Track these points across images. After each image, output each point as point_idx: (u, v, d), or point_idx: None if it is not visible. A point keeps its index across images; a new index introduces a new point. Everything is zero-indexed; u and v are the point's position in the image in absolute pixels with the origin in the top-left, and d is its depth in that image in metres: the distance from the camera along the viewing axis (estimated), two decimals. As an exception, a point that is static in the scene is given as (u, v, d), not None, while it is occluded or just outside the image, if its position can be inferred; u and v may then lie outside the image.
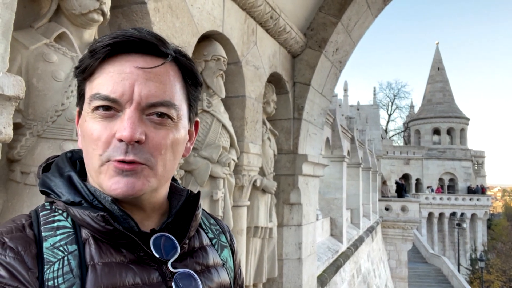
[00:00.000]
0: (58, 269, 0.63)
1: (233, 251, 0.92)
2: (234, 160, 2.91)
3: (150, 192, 0.72)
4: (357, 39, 4.39)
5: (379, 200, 18.92)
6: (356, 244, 10.74)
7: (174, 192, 0.83)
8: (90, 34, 1.82)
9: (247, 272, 3.35)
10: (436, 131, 38.16)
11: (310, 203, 4.34)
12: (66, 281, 0.62)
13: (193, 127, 0.82)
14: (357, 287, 9.94)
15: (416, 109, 46.02)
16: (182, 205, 0.80)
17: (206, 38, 2.77)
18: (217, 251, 0.86)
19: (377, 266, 14.64)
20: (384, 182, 21.86)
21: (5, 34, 1.25)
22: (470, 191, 35.17)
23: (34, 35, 1.62)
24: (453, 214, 34.05)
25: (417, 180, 37.55)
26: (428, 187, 35.59)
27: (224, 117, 2.86)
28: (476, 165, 41.64)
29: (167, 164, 0.72)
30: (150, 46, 0.70)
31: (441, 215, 34.32)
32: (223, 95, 2.88)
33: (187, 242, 0.78)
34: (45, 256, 0.64)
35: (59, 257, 0.64)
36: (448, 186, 37.43)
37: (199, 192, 0.84)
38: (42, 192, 0.74)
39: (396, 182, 23.45)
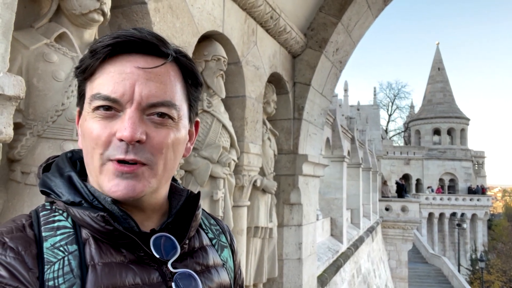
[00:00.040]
0: (58, 269, 0.63)
1: (233, 251, 0.92)
2: (234, 160, 2.91)
3: (151, 193, 0.72)
4: (357, 39, 4.39)
5: (379, 200, 18.92)
6: (356, 244, 10.74)
7: (174, 192, 0.83)
8: (91, 34, 1.82)
9: (247, 272, 3.35)
10: (437, 131, 38.16)
11: (310, 203, 4.34)
12: (67, 281, 0.62)
13: (194, 127, 0.82)
14: (357, 287, 9.94)
15: (417, 109, 46.02)
16: (182, 205, 0.80)
17: (206, 38, 2.77)
18: (217, 251, 0.86)
19: (377, 266, 14.64)
20: (384, 182, 21.85)
21: (5, 34, 1.25)
22: (471, 191, 35.16)
23: (34, 35, 1.62)
24: (454, 214, 34.04)
25: (417, 180, 37.55)
26: (428, 188, 35.58)
27: (224, 117, 2.86)
28: (476, 165, 41.64)
29: (168, 163, 0.72)
30: (151, 46, 0.70)
31: (441, 215, 34.31)
32: (223, 95, 2.89)
33: (187, 242, 0.78)
34: (45, 256, 0.64)
35: (60, 257, 0.64)
36: (449, 187, 37.43)
37: (199, 192, 0.84)
38: (42, 192, 0.74)
39: (396, 182, 23.45)
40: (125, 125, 0.66)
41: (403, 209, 18.56)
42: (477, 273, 27.87)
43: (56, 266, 0.63)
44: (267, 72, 3.54)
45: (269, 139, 3.73)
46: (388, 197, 20.22)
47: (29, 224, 0.68)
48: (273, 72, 3.67)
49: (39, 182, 0.75)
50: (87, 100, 0.71)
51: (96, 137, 0.68)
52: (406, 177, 35.78)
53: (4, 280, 0.58)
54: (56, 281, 0.62)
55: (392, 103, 51.76)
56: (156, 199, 0.76)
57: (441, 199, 34.24)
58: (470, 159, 37.36)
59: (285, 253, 4.00)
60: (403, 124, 50.76)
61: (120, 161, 0.68)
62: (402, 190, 22.00)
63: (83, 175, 0.74)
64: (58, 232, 0.67)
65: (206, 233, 0.87)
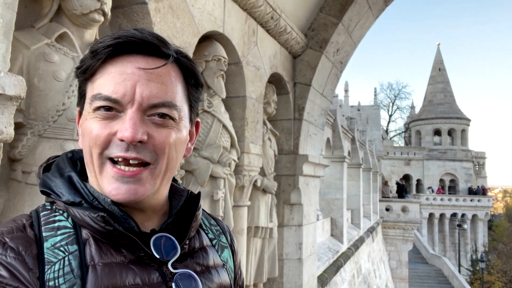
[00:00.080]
0: (59, 269, 0.63)
1: (233, 252, 0.92)
2: (234, 160, 2.91)
3: (152, 193, 0.72)
4: (358, 40, 4.39)
5: (380, 200, 18.91)
6: (357, 245, 10.74)
7: (174, 192, 0.83)
8: (91, 34, 1.82)
9: (248, 272, 3.35)
10: (437, 132, 38.14)
11: (311, 203, 4.34)
12: (67, 281, 0.62)
13: (194, 128, 0.82)
14: (357, 287, 9.94)
15: (417, 110, 45.97)
16: (183, 206, 0.81)
17: (207, 39, 2.77)
18: (217, 251, 0.86)
19: (378, 266, 14.63)
20: (385, 183, 21.85)
21: (6, 34, 1.25)
22: (471, 192, 35.12)
23: (35, 35, 1.62)
24: (454, 215, 34.01)
25: (418, 180, 37.52)
26: (428, 188, 35.55)
27: (225, 118, 2.87)
28: (477, 166, 41.62)
29: (170, 163, 0.72)
30: (152, 47, 0.70)
31: (441, 216, 34.29)
32: (224, 96, 2.89)
33: (187, 242, 0.78)
34: (45, 256, 0.64)
35: (60, 257, 0.64)
36: (449, 187, 37.40)
37: (199, 193, 0.84)
38: (43, 192, 0.74)
39: (397, 183, 23.43)
40: (126, 126, 0.66)
41: (404, 210, 18.55)
42: (478, 274, 27.85)
43: (57, 266, 0.63)
44: (267, 73, 3.54)
45: (269, 139, 3.73)
46: (388, 197, 20.21)
47: (30, 224, 0.68)
48: (273, 72, 3.67)
49: (39, 182, 0.75)
50: (87, 101, 0.71)
51: (95, 137, 0.68)
52: (406, 177, 35.75)
53: (5, 280, 0.59)
54: (56, 281, 0.62)
55: (393, 104, 51.75)
56: (157, 200, 0.76)
57: (441, 199, 34.21)
58: (470, 160, 37.33)
59: (286, 253, 4.00)
60: (403, 124, 50.74)
61: (120, 163, 0.68)
62: (402, 190, 21.99)
63: (84, 175, 0.74)
64: (59, 232, 0.67)
65: (206, 234, 0.87)
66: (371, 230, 14.31)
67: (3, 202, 1.55)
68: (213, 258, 0.82)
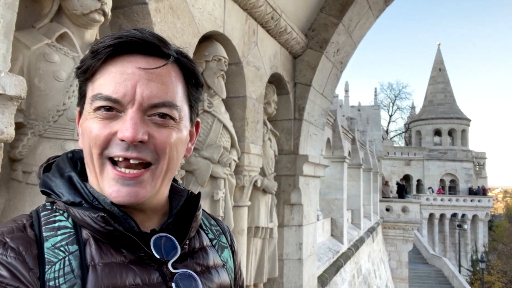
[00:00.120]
0: (59, 269, 0.63)
1: (233, 252, 0.92)
2: (235, 161, 2.91)
3: (152, 194, 0.72)
4: (358, 40, 4.39)
5: (380, 201, 18.90)
6: (357, 245, 10.73)
7: (174, 192, 0.83)
8: (92, 34, 1.83)
9: (248, 272, 3.35)
10: (437, 132, 38.13)
11: (311, 203, 4.34)
12: (67, 281, 0.62)
13: (194, 128, 0.82)
14: (357, 287, 9.94)
15: (417, 110, 45.98)
16: (183, 206, 0.81)
17: (207, 39, 2.77)
18: (217, 251, 0.86)
19: (378, 266, 14.63)
20: (386, 183, 21.84)
21: (7, 34, 1.25)
22: (471, 192, 35.11)
23: (35, 35, 1.62)
24: (454, 215, 33.99)
25: (418, 181, 37.51)
26: (429, 188, 35.54)
27: (225, 118, 2.87)
28: (477, 166, 41.57)
29: (171, 164, 0.72)
30: (152, 47, 0.70)
31: (442, 216, 34.27)
32: (224, 96, 2.89)
33: (187, 242, 0.78)
34: (46, 256, 0.64)
35: (60, 257, 0.64)
36: (449, 187, 37.39)
37: (199, 193, 0.85)
38: (43, 192, 0.74)
39: (397, 183, 23.42)
40: (126, 126, 0.66)
41: (404, 210, 18.54)
42: (478, 274, 27.84)
43: (57, 266, 0.63)
44: (267, 73, 3.54)
45: (269, 139, 3.73)
46: (389, 197, 20.20)
47: (30, 224, 0.68)
48: (273, 72, 3.67)
49: (40, 182, 0.75)
50: (88, 101, 0.71)
51: (95, 137, 0.68)
52: (406, 177, 35.73)
53: (5, 280, 0.59)
54: (57, 281, 0.62)
55: (393, 104, 51.72)
56: (157, 200, 0.76)
57: (441, 200, 34.19)
58: (471, 160, 37.31)
59: (286, 253, 4.00)
60: (404, 124, 50.71)
61: (120, 164, 0.68)
62: (402, 190, 21.98)
63: (84, 175, 0.74)
64: (59, 232, 0.67)
65: (207, 234, 0.87)
66: (371, 230, 14.30)
67: (4, 202, 1.55)
68: (213, 258, 0.82)
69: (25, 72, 1.52)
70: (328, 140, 10.08)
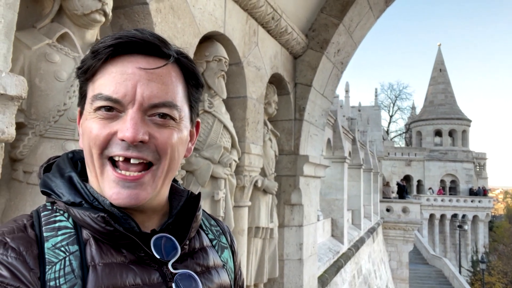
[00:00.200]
0: (59, 270, 0.63)
1: (233, 252, 0.92)
2: (235, 161, 2.92)
3: (153, 195, 0.72)
4: (358, 40, 4.39)
5: (380, 201, 18.89)
6: (357, 245, 10.73)
7: (174, 193, 0.83)
8: (92, 35, 1.83)
9: (248, 272, 3.35)
10: (438, 133, 38.12)
11: (311, 204, 4.34)
12: (68, 282, 0.62)
13: (194, 128, 0.82)
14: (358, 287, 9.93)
15: (418, 111, 45.95)
16: (183, 206, 0.81)
17: (208, 39, 2.77)
18: (218, 252, 0.86)
19: (378, 267, 14.62)
20: (387, 184, 21.81)
21: (7, 34, 1.26)
22: (472, 193, 35.09)
23: (36, 35, 1.62)
24: (455, 215, 33.98)
25: (419, 181, 37.49)
26: (429, 189, 35.53)
27: (226, 118, 2.87)
28: (477, 167, 41.56)
29: (172, 164, 0.72)
30: (153, 47, 0.70)
31: (442, 216, 34.26)
32: (225, 96, 2.89)
33: (187, 243, 0.78)
34: (46, 256, 0.64)
35: (61, 257, 0.64)
36: (450, 188, 37.37)
37: (199, 193, 0.85)
38: (43, 192, 0.74)
39: (398, 184, 23.41)
40: (127, 126, 0.66)
41: (404, 210, 18.53)
42: (478, 275, 27.82)
43: (58, 267, 0.63)
44: (268, 73, 3.54)
45: (270, 139, 3.73)
46: (389, 198, 20.19)
47: (31, 224, 0.68)
48: (274, 73, 3.67)
49: (40, 183, 0.75)
50: (88, 101, 0.71)
51: (95, 136, 0.68)
52: (407, 178, 35.72)
53: (6, 280, 0.59)
54: (57, 281, 0.62)
55: (394, 104, 51.71)
56: (158, 200, 0.76)
57: (442, 200, 34.18)
58: (471, 161, 37.29)
59: (286, 253, 4.00)
60: (404, 125, 50.71)
61: (120, 166, 0.68)
62: (403, 191, 21.97)
63: (84, 176, 0.74)
64: (59, 233, 0.67)
65: (207, 234, 0.88)
66: (371, 231, 14.29)
67: (5, 202, 1.56)
68: (213, 258, 0.82)
69: (26, 72, 1.52)
70: (329, 140, 10.08)
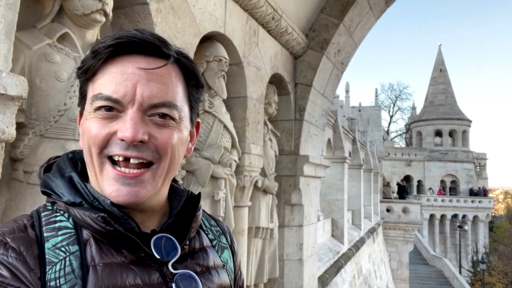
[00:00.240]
0: (60, 270, 0.63)
1: (233, 253, 0.92)
2: (235, 161, 2.92)
3: (153, 194, 0.72)
4: (359, 41, 4.39)
5: (381, 201, 18.89)
6: (357, 245, 10.72)
7: (174, 193, 0.83)
8: (93, 35, 1.83)
9: (248, 272, 3.35)
10: (438, 133, 38.10)
11: (311, 204, 4.34)
12: (68, 282, 0.62)
13: (195, 128, 0.83)
14: (358, 288, 9.93)
15: (418, 111, 45.92)
16: (183, 206, 0.81)
17: (208, 39, 2.77)
18: (218, 252, 0.86)
19: (378, 267, 14.62)
20: (387, 184, 21.81)
21: (8, 34, 1.26)
22: (472, 193, 35.07)
23: (37, 35, 1.62)
24: (455, 216, 33.96)
25: (419, 181, 37.48)
26: (429, 189, 35.51)
27: (226, 118, 2.87)
28: (478, 167, 41.55)
29: (172, 164, 0.73)
30: (152, 47, 0.70)
31: (442, 217, 34.25)
32: (225, 96, 2.89)
33: (187, 243, 0.78)
34: (47, 256, 0.64)
35: (61, 257, 0.64)
36: (450, 188, 37.35)
37: (199, 193, 0.85)
38: (43, 192, 0.74)
39: (398, 184, 23.40)
40: (126, 126, 0.66)
41: (404, 211, 18.53)
42: (478, 275, 27.81)
43: (58, 267, 0.63)
44: (268, 73, 3.54)
45: (270, 140, 3.73)
46: (390, 198, 20.18)
47: (31, 224, 0.68)
48: (274, 73, 3.67)
49: (40, 183, 0.75)
50: (88, 101, 0.71)
51: (94, 136, 0.68)
52: (407, 178, 35.71)
53: (6, 280, 0.59)
54: (57, 281, 0.62)
55: (394, 104, 51.69)
56: (157, 200, 0.76)
57: (442, 200, 34.17)
58: (471, 161, 37.28)
59: (286, 253, 4.00)
60: (404, 125, 50.69)
61: (120, 164, 0.68)
62: (403, 191, 21.97)
63: (84, 176, 0.75)
64: (60, 233, 0.67)
65: (207, 234, 0.88)
66: (371, 231, 14.29)
67: (5, 202, 1.56)
68: (213, 258, 0.82)
69: (26, 72, 1.52)
70: (329, 140, 10.08)
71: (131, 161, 0.68)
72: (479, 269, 26.59)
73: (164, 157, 0.70)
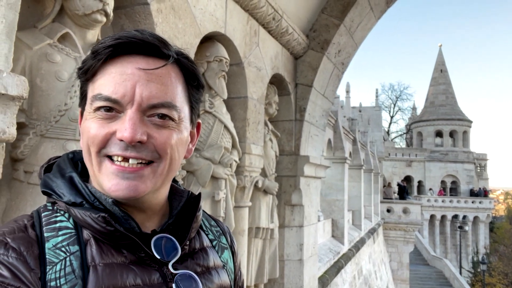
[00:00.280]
0: (60, 270, 0.63)
1: (233, 253, 0.92)
2: (236, 161, 2.92)
3: (152, 192, 0.72)
4: (359, 41, 4.39)
5: (381, 202, 18.88)
6: (358, 246, 10.72)
7: (174, 193, 0.83)
8: (93, 35, 1.83)
9: (249, 273, 3.35)
10: (439, 134, 38.08)
11: (312, 204, 4.34)
12: (68, 282, 0.62)
13: (195, 129, 0.83)
14: (358, 289, 9.92)
15: (419, 111, 45.90)
16: (183, 207, 0.81)
17: (209, 39, 2.77)
18: (218, 252, 0.86)
19: (379, 267, 14.61)
20: (388, 185, 21.82)
21: (9, 34, 1.26)
22: (473, 193, 35.05)
23: (37, 35, 1.63)
24: (455, 216, 33.95)
25: (419, 182, 37.46)
26: (430, 190, 35.49)
27: (226, 118, 2.87)
28: (478, 167, 41.52)
29: (172, 164, 0.73)
30: (152, 47, 0.70)
31: (443, 217, 34.23)
32: (225, 96, 2.89)
33: (187, 243, 0.78)
34: (47, 256, 0.64)
35: (61, 257, 0.65)
36: (450, 189, 37.33)
37: (199, 194, 0.85)
38: (44, 192, 0.74)
39: (398, 184, 23.39)
40: (125, 126, 0.66)
41: (405, 211, 18.52)
42: (479, 276, 27.78)
43: (58, 267, 0.63)
44: (269, 73, 3.54)
45: (270, 140, 3.73)
46: (391, 199, 20.18)
47: (31, 224, 0.68)
48: (275, 73, 3.67)
49: (41, 183, 0.75)
50: (88, 101, 0.71)
51: (93, 136, 0.68)
52: (408, 179, 35.70)
53: (6, 280, 0.59)
54: (58, 281, 0.62)
55: (394, 105, 51.66)
56: (157, 200, 0.76)
57: (443, 201, 34.15)
58: (472, 162, 37.25)
59: (286, 254, 4.00)
60: (405, 126, 50.65)
61: (120, 161, 0.68)
62: (403, 192, 21.96)
63: (85, 176, 0.75)
64: (60, 233, 0.67)
65: (207, 235, 0.88)
66: (372, 232, 14.28)
67: (5, 202, 1.56)
68: (213, 259, 0.82)
69: (27, 72, 1.53)
70: (329, 141, 10.08)
71: (130, 161, 0.68)
72: (480, 270, 26.57)
73: (164, 157, 0.70)
